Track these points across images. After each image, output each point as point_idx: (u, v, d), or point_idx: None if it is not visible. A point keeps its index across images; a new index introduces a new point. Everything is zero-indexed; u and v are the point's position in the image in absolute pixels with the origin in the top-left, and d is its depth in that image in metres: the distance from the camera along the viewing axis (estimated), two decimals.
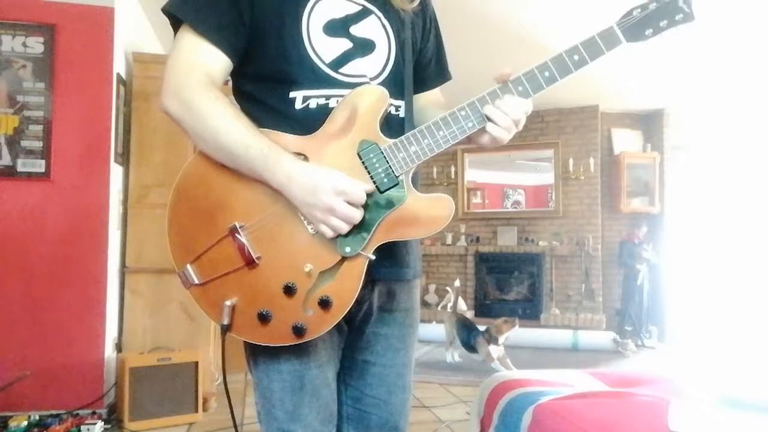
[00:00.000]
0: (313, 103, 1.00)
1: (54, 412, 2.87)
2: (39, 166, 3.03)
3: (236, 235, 0.95)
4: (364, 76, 1.03)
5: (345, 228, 0.92)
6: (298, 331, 0.94)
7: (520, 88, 0.98)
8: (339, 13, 1.03)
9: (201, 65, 0.97)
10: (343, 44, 1.02)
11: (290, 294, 0.94)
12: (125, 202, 3.34)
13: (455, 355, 4.68)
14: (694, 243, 6.91)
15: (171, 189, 0.99)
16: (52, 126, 3.05)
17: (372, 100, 0.98)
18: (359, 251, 0.95)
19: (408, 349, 1.16)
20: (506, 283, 6.56)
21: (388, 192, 0.96)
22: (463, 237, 6.66)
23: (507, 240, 6.53)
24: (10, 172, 3.00)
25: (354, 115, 0.97)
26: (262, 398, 1.05)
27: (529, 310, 6.25)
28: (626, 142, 6.43)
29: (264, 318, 0.95)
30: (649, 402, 1.60)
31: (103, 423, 2.81)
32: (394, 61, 1.07)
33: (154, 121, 3.34)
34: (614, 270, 6.13)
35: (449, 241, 6.67)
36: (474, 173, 6.81)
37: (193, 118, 0.95)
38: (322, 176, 0.92)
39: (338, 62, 1.01)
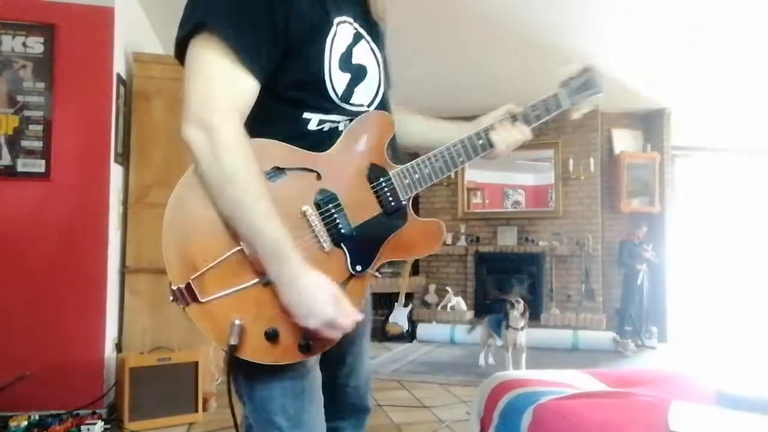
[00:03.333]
0: (326, 126, 1.02)
1: (54, 412, 2.86)
2: (39, 166, 3.03)
3: None
4: (363, 105, 1.05)
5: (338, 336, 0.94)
6: (305, 348, 0.95)
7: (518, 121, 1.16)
8: (347, 42, 1.02)
9: (240, 101, 0.92)
10: (347, 77, 1.03)
11: None
12: (125, 202, 3.34)
13: (490, 358, 4.67)
14: (694, 243, 6.90)
15: (171, 190, 0.92)
16: (52, 126, 3.05)
17: (381, 125, 1.05)
18: (367, 270, 1.00)
19: (367, 335, 1.24)
20: (506, 283, 6.55)
21: (393, 215, 1.03)
22: (463, 237, 6.65)
23: (507, 240, 6.52)
24: (10, 172, 3.00)
25: (364, 140, 1.03)
26: (259, 411, 1.00)
27: (529, 310, 6.23)
28: (626, 142, 6.43)
29: (271, 337, 0.92)
30: (649, 402, 1.60)
31: (103, 423, 2.80)
32: (384, 86, 1.10)
33: (154, 121, 3.34)
34: (614, 270, 6.12)
35: (449, 241, 6.66)
36: (474, 173, 6.80)
37: (219, 170, 0.88)
38: (321, 299, 0.90)
39: (346, 94, 1.03)
